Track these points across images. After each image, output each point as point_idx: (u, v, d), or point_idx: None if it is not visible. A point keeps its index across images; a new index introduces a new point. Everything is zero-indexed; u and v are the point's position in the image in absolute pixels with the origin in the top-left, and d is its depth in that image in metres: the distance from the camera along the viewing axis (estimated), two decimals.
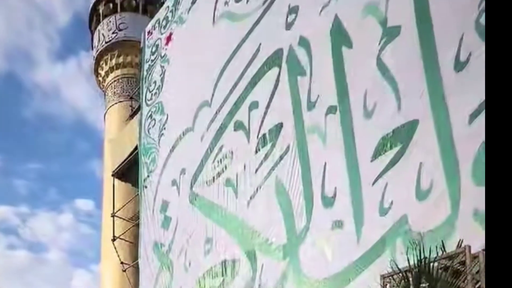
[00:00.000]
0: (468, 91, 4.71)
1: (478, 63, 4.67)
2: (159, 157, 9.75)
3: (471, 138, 4.55)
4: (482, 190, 4.20)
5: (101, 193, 14.85)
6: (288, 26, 7.20)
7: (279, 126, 6.92)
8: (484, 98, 4.35)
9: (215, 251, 7.73)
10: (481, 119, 4.49)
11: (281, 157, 6.78)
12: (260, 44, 7.66)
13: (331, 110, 6.17)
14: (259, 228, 6.95)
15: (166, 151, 9.54)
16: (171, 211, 9.12)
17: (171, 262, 8.78)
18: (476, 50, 4.74)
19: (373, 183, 5.36)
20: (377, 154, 5.43)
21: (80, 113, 39.18)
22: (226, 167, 7.87)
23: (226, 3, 8.66)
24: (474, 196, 4.35)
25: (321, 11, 6.66)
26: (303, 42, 6.86)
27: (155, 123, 10.11)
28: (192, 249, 8.30)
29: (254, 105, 7.53)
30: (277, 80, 7.17)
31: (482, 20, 4.75)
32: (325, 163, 6.09)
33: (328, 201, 5.91)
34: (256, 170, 7.17)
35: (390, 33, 5.65)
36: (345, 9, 6.34)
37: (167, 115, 9.79)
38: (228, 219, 7.61)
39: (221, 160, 8.03)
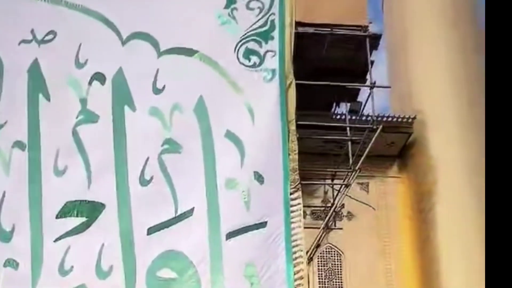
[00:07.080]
0: (150, 206, 5.96)
1: (157, 188, 5.91)
2: None
3: (148, 249, 5.82)
4: None
5: None
6: None
7: None
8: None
9: None
10: (158, 234, 5.81)
11: None
12: None
13: (19, 145, 6.34)
14: None
15: None
16: None
17: None
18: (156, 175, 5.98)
19: (56, 240, 5.96)
20: (63, 214, 6.03)
21: None
22: None
23: None
24: None
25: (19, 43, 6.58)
26: None
27: None
28: None
29: None
30: None
31: None
32: (4, 193, 6.23)
33: (5, 235, 6.07)
34: None
35: (89, 116, 6.25)
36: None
37: None
38: None
39: None
